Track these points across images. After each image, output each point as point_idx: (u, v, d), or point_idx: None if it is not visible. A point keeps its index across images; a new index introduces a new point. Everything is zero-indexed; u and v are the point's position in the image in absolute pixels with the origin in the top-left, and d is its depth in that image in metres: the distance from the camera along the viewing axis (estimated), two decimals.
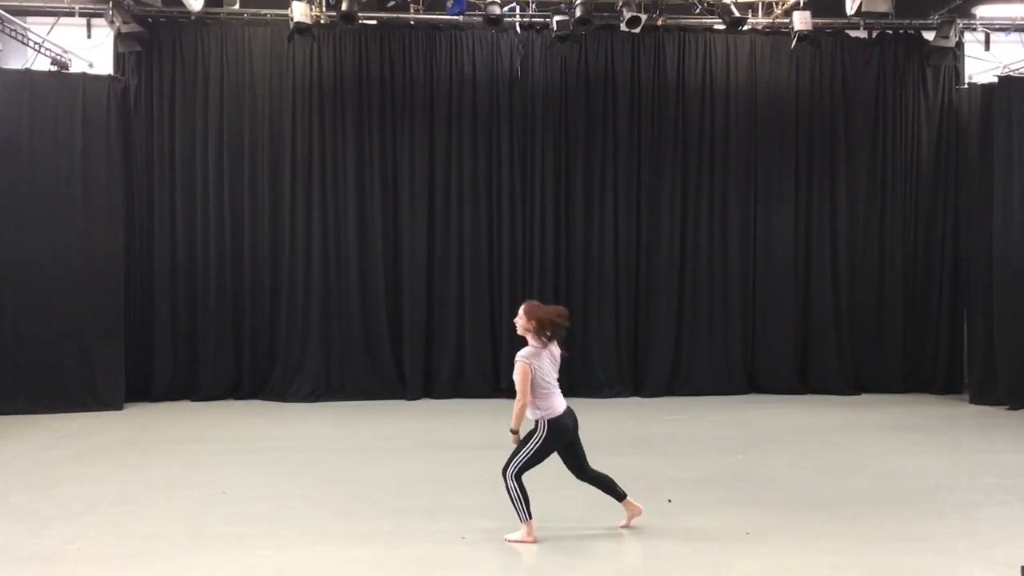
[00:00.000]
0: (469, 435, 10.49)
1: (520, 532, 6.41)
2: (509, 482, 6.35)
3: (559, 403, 6.40)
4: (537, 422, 6.37)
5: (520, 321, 6.43)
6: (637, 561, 6.18)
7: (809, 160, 13.49)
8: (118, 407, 11.81)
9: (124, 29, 11.92)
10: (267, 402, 12.55)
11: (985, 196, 12.63)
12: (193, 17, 12.60)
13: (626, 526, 6.70)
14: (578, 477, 6.62)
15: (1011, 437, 10.43)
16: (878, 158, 13.54)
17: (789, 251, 13.41)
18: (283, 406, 12.32)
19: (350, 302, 12.88)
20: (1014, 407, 12.08)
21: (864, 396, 13.18)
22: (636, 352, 13.32)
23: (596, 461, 8.83)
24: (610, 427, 10.80)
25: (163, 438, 10.21)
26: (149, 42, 12.54)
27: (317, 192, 12.88)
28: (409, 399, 12.75)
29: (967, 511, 7.26)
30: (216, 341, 12.69)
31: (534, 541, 6.36)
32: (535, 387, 6.28)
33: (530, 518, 6.38)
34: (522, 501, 6.35)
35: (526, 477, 6.38)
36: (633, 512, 6.70)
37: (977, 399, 12.56)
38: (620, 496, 6.64)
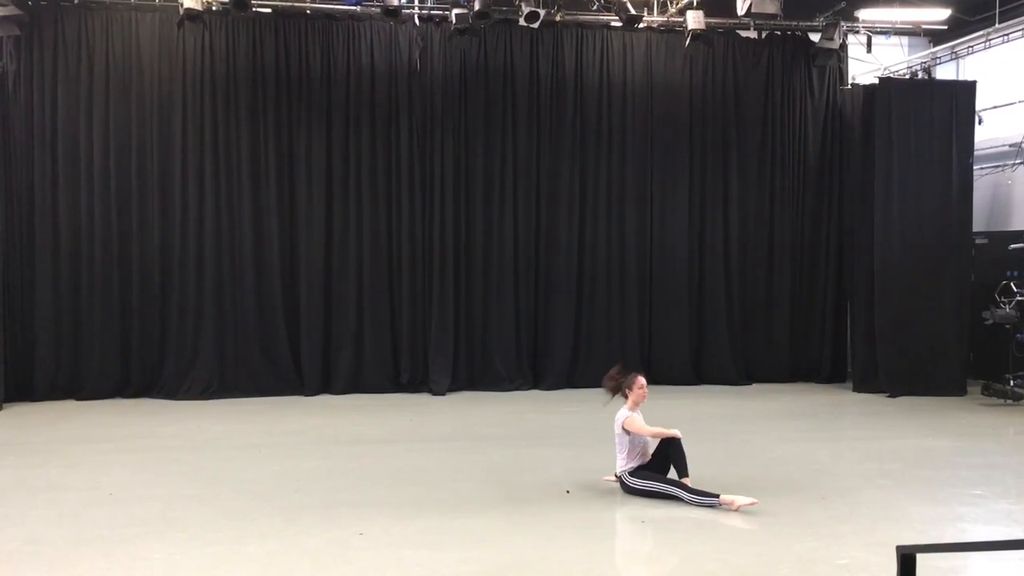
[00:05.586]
0: (368, 430, 10.40)
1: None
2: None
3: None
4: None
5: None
6: (531, 552, 6.22)
7: (702, 156, 13.81)
8: None
9: (2, 12, 11.34)
10: (157, 400, 12.14)
11: (867, 193, 13.16)
12: (76, 1, 12.10)
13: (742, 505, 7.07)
14: None
15: (890, 424, 10.92)
16: (767, 155, 13.97)
17: (683, 245, 13.71)
18: (174, 404, 11.94)
19: (245, 296, 12.58)
20: (893, 395, 12.65)
21: (754, 386, 13.58)
22: (535, 345, 13.41)
23: (496, 453, 8.85)
24: (510, 420, 10.86)
25: (44, 438, 9.79)
26: (29, 26, 11.97)
27: (210, 184, 12.53)
28: (307, 395, 12.54)
29: (849, 495, 7.56)
30: (102, 337, 12.23)
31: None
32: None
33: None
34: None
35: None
36: (738, 502, 7.07)
37: (860, 387, 13.08)
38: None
